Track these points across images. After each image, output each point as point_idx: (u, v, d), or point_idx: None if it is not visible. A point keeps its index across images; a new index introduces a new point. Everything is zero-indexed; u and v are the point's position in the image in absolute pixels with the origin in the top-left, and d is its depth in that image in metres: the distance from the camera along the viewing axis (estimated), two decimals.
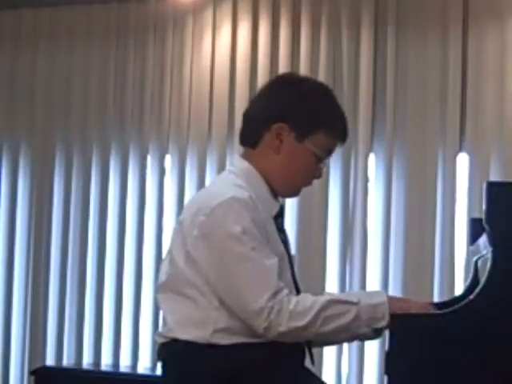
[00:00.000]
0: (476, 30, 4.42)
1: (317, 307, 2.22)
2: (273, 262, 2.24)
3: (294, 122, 2.36)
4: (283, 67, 4.65)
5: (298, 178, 2.44)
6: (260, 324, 2.20)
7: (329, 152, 2.44)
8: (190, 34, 4.92)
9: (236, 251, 2.22)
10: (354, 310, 2.23)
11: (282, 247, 2.36)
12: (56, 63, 5.18)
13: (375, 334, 2.30)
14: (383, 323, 2.25)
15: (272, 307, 2.19)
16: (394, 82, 4.52)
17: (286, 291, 2.23)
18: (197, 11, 4.91)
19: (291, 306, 2.21)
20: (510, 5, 4.38)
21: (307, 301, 2.24)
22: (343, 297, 2.31)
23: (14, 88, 5.27)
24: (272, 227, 2.34)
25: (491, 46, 4.39)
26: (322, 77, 4.57)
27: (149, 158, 5.01)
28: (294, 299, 2.23)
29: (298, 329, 2.21)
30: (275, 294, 2.20)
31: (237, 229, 2.21)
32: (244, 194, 2.27)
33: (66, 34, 5.15)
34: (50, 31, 5.19)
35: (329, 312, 2.22)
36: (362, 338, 2.36)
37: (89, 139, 5.10)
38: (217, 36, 4.85)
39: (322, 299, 2.25)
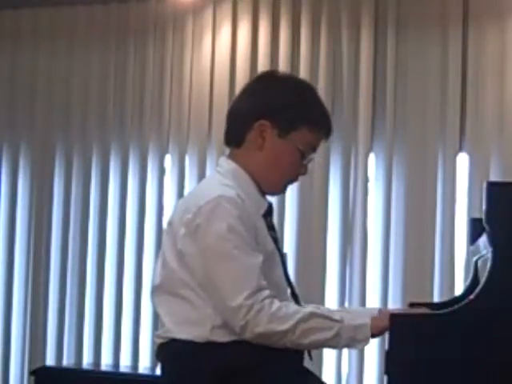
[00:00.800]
0: (476, 30, 4.42)
1: (298, 316, 2.21)
2: (256, 261, 2.23)
3: (275, 118, 2.36)
4: (283, 67, 4.65)
5: (283, 174, 2.43)
6: (237, 322, 2.19)
7: (313, 148, 2.44)
8: (190, 34, 4.91)
9: (219, 249, 2.22)
10: (335, 328, 2.22)
11: (272, 245, 2.36)
12: (56, 63, 5.18)
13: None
14: (363, 344, 2.26)
15: (251, 306, 2.18)
16: (393, 82, 4.52)
17: (267, 292, 2.22)
18: (197, 11, 4.91)
19: (273, 309, 2.19)
20: (510, 5, 4.38)
21: (290, 308, 2.23)
22: (327, 313, 2.29)
23: (14, 88, 5.27)
24: (261, 225, 2.34)
25: (491, 46, 4.38)
26: (321, 77, 4.57)
27: (149, 158, 5.01)
28: (276, 303, 2.21)
29: (275, 333, 2.20)
30: (255, 292, 2.19)
31: (222, 226, 2.21)
32: (231, 192, 2.27)
33: (66, 34, 5.15)
34: (50, 31, 5.18)
35: (310, 324, 2.21)
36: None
37: (89, 139, 5.09)
38: (217, 36, 4.85)
39: (306, 310, 2.25)
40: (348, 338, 2.23)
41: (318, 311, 2.28)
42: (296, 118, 2.38)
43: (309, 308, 2.29)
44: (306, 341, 2.23)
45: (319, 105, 2.44)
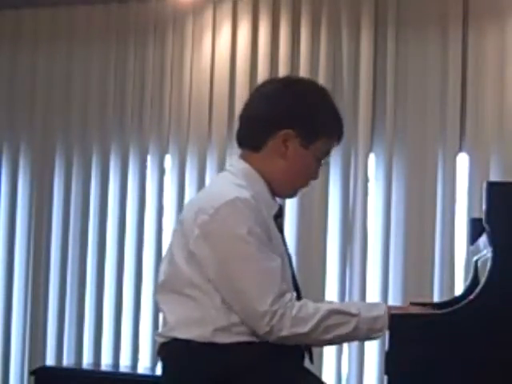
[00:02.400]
0: (476, 30, 4.41)
1: (319, 315, 2.25)
2: (277, 263, 2.25)
3: (299, 128, 2.38)
4: (283, 67, 4.65)
5: (299, 180, 2.47)
6: (262, 327, 2.22)
7: (328, 154, 2.48)
8: (190, 34, 4.91)
9: (241, 252, 2.23)
10: (353, 322, 2.27)
11: (282, 247, 2.38)
12: (56, 63, 5.18)
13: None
14: (381, 334, 2.30)
15: (275, 311, 2.21)
16: (393, 82, 4.52)
17: (289, 295, 2.25)
18: (197, 11, 4.91)
19: (294, 312, 2.23)
20: (510, 5, 4.38)
21: (310, 308, 2.26)
22: (344, 307, 2.32)
23: (13, 88, 5.27)
24: (274, 227, 2.35)
25: (491, 46, 4.38)
26: (322, 77, 4.57)
27: (149, 157, 5.01)
28: (297, 304, 2.25)
29: (299, 335, 2.24)
30: (279, 297, 2.22)
31: (242, 229, 2.21)
32: (247, 193, 2.27)
33: (65, 34, 5.15)
34: (50, 31, 5.18)
35: (330, 321, 2.26)
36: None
37: (89, 139, 5.09)
38: (217, 36, 4.85)
39: (324, 308, 2.28)
40: (367, 330, 2.28)
41: (336, 307, 2.32)
42: (319, 129, 2.41)
43: (327, 304, 2.33)
44: (327, 337, 2.27)
45: (337, 112, 2.48)
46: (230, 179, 2.37)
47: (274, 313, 2.20)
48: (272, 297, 2.21)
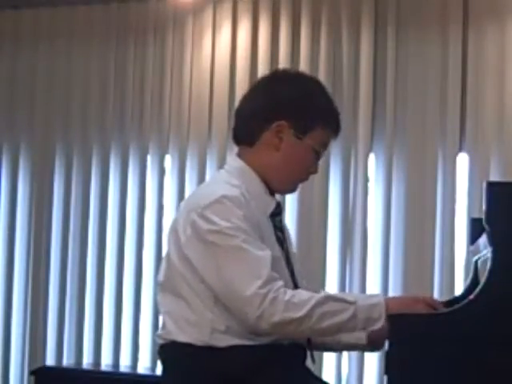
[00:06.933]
0: (476, 30, 4.42)
1: (313, 301, 2.19)
2: (265, 253, 2.21)
3: (292, 119, 2.35)
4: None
5: (297, 174, 2.42)
6: (252, 312, 2.16)
7: (324, 146, 2.43)
8: (190, 34, 4.91)
9: (227, 245, 2.20)
10: (351, 309, 2.20)
11: (277, 250, 2.34)
12: (56, 63, 5.18)
13: (371, 347, 2.32)
14: (379, 324, 2.23)
15: (265, 295, 2.15)
16: (393, 82, 4.52)
17: (281, 282, 2.20)
18: (197, 11, 4.91)
19: (287, 297, 2.17)
20: (510, 5, 4.38)
21: (304, 295, 2.22)
22: (341, 295, 2.29)
23: (14, 88, 5.27)
24: (266, 226, 2.33)
25: (491, 46, 4.38)
26: (322, 77, 4.56)
27: (149, 157, 5.01)
28: (289, 291, 2.20)
29: (292, 321, 2.17)
30: (268, 282, 2.17)
31: (227, 225, 2.20)
32: (235, 191, 2.26)
33: (65, 34, 5.15)
34: (49, 31, 5.18)
35: (325, 308, 2.19)
36: (358, 348, 2.37)
37: (89, 139, 5.09)
38: (217, 36, 4.85)
39: (319, 295, 2.24)
40: (364, 319, 2.21)
41: (332, 294, 2.28)
42: (312, 119, 2.37)
43: (322, 293, 2.29)
44: (324, 325, 2.20)
45: (331, 102, 2.43)
46: (223, 178, 2.37)
47: (264, 296, 2.15)
48: (260, 281, 2.16)
